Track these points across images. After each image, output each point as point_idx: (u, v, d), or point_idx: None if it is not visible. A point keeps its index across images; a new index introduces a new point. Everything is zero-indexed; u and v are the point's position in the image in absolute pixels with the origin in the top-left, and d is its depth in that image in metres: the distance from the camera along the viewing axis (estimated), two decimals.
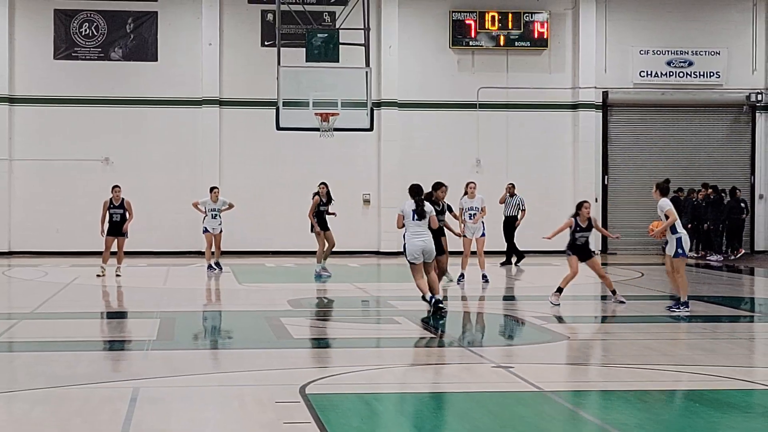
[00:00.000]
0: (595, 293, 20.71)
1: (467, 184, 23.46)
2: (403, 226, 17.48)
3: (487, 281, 22.77)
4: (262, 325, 16.32)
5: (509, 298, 21.27)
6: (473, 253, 23.13)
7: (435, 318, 16.73)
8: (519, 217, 27.82)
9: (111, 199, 24.57)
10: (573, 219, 18.71)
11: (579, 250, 18.66)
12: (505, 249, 28.24)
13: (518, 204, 27.79)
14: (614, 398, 10.73)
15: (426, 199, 17.83)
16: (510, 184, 27.46)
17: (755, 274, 27.36)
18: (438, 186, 19.11)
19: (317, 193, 24.90)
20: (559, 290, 18.65)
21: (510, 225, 27.83)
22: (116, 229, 24.55)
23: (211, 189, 26.58)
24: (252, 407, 10.09)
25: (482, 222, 23.21)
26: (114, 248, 24.67)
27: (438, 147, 33.23)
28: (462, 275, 22.74)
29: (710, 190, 31.82)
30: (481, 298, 20.87)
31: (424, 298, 17.29)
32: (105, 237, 24.62)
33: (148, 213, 30.48)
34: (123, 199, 24.61)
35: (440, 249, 18.65)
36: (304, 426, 9.25)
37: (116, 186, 24.92)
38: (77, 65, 32.42)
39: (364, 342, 15.03)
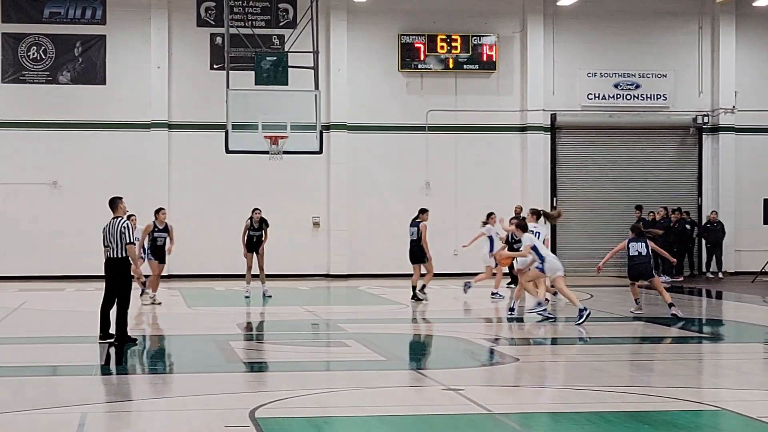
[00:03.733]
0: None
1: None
2: None
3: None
4: (212, 349, 16.23)
5: (460, 320, 21.23)
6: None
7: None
8: None
9: (155, 222, 23.60)
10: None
11: None
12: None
13: None
14: (564, 420, 10.75)
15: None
16: (518, 206, 27.08)
17: (702, 295, 27.56)
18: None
19: (250, 218, 25.23)
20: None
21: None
22: (161, 253, 23.63)
23: (159, 210, 26.23)
24: None
25: None
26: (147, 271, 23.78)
27: (387, 169, 33.25)
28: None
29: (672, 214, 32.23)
30: (432, 320, 20.84)
31: None
32: (150, 261, 23.53)
33: (95, 237, 30.10)
34: (166, 223, 23.80)
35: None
36: None
37: (161, 209, 23.99)
38: (25, 89, 32.15)
39: (314, 365, 14.98)
